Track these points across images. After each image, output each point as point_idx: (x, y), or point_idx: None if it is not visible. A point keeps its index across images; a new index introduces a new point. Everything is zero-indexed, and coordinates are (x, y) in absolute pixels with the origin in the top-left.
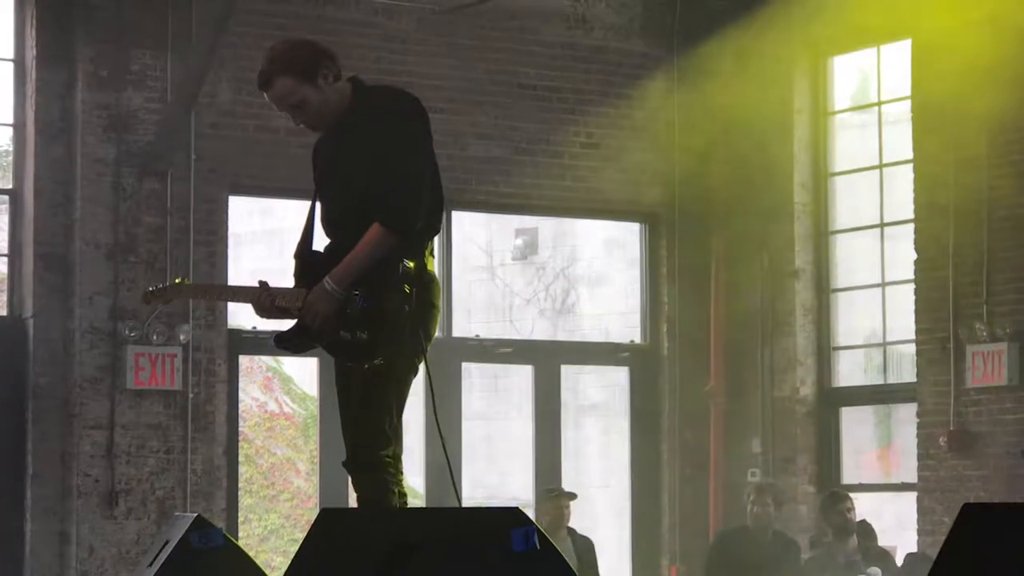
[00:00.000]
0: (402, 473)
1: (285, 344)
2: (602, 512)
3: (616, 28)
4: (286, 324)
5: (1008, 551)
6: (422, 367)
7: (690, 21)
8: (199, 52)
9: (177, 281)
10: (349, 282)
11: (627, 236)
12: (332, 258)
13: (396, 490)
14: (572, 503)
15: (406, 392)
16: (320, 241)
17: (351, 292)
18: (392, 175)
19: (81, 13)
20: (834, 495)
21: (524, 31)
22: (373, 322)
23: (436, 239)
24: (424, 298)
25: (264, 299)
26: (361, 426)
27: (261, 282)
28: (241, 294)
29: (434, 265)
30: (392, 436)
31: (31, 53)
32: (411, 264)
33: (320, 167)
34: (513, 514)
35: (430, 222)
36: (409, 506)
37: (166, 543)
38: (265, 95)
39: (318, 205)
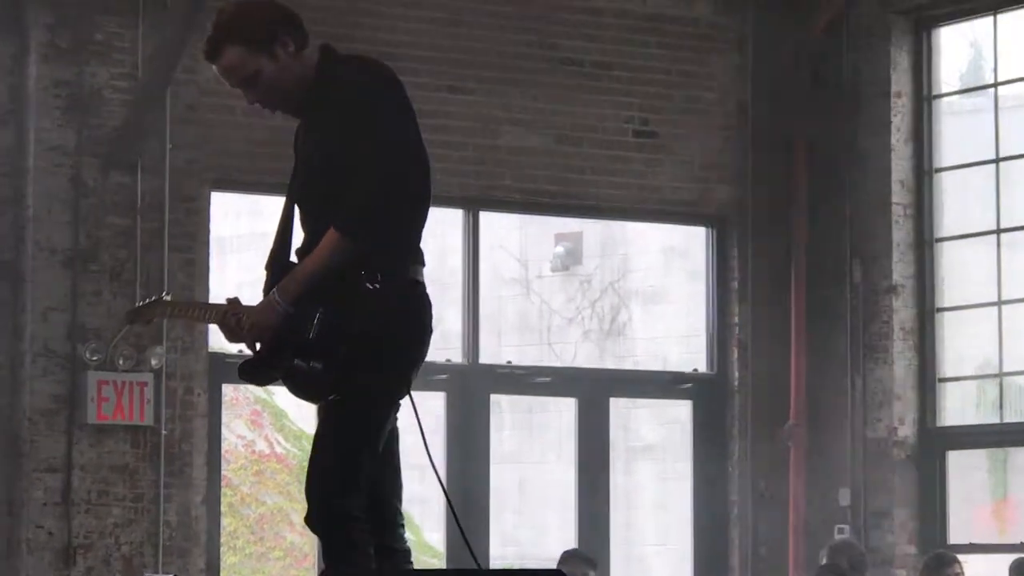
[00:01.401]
0: (401, 527)
1: (246, 373)
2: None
3: None
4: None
5: None
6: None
7: None
8: (176, 18)
9: (164, 297)
10: (295, 294)
11: (690, 243)
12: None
13: (368, 551)
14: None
15: (380, 433)
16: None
17: (309, 309)
18: (350, 170)
19: None
20: (940, 558)
21: None
22: (331, 350)
23: (461, 246)
24: (405, 318)
25: (230, 319)
26: (320, 473)
27: (230, 299)
28: (212, 313)
29: (421, 274)
30: (360, 484)
31: None
32: (382, 276)
33: (295, 157)
34: None
35: (411, 219)
36: (425, 568)
37: None
38: (213, 67)
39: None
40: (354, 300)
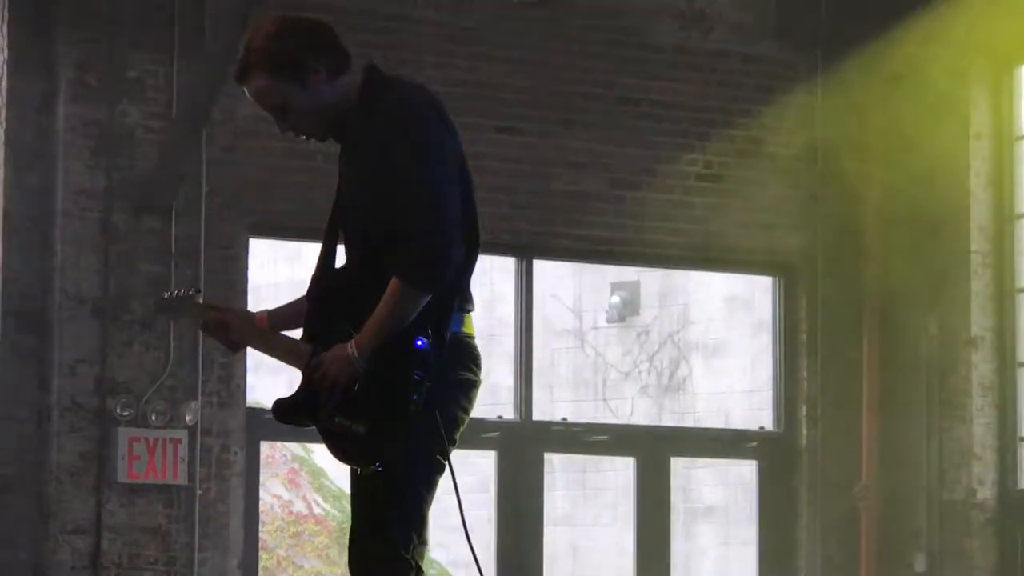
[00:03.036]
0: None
1: (284, 413)
2: None
3: (743, 28)
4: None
5: None
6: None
7: (839, 20)
8: (213, 55)
9: (196, 297)
10: (370, 349)
11: (755, 293)
12: (330, 303)
13: None
14: None
15: (427, 499)
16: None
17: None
18: (404, 216)
19: (65, 8)
20: None
21: (626, 31)
22: (374, 413)
23: (513, 295)
24: (451, 375)
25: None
26: (365, 547)
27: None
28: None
29: (472, 326)
30: (407, 558)
31: (1, 57)
32: (427, 336)
33: (339, 181)
34: None
35: (465, 265)
36: None
37: None
38: (244, 91)
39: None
40: (397, 363)
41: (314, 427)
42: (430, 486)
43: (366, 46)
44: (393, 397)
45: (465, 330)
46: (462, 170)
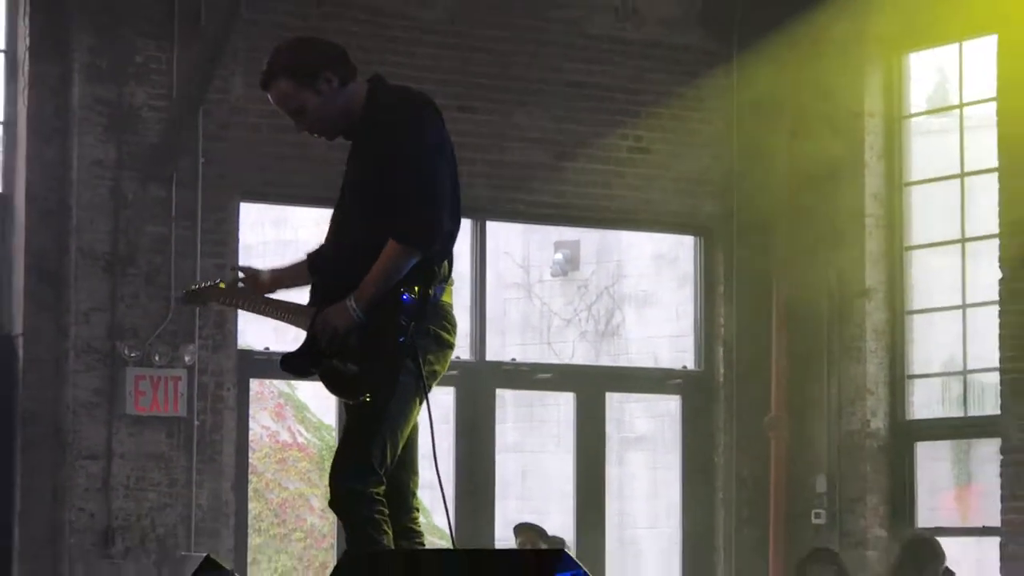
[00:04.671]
0: (416, 511)
1: (288, 365)
2: (649, 557)
3: (671, 20)
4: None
5: None
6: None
7: (753, 13)
8: (208, 42)
9: (219, 284)
10: (367, 302)
11: (679, 251)
12: (334, 270)
13: (387, 530)
14: (541, 541)
15: (402, 429)
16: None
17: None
18: (402, 191)
19: (79, 1)
20: (933, 549)
21: (569, 24)
22: (364, 355)
23: (469, 253)
24: (431, 331)
25: (316, 323)
26: (344, 460)
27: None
28: (281, 312)
29: (451, 295)
30: (378, 472)
31: (23, 44)
32: (413, 293)
33: (345, 176)
34: (558, 556)
35: (450, 235)
36: (433, 548)
37: None
38: (269, 97)
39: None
40: (386, 313)
41: (303, 373)
42: (408, 419)
43: (343, 34)
44: (382, 339)
45: (445, 299)
46: (452, 158)
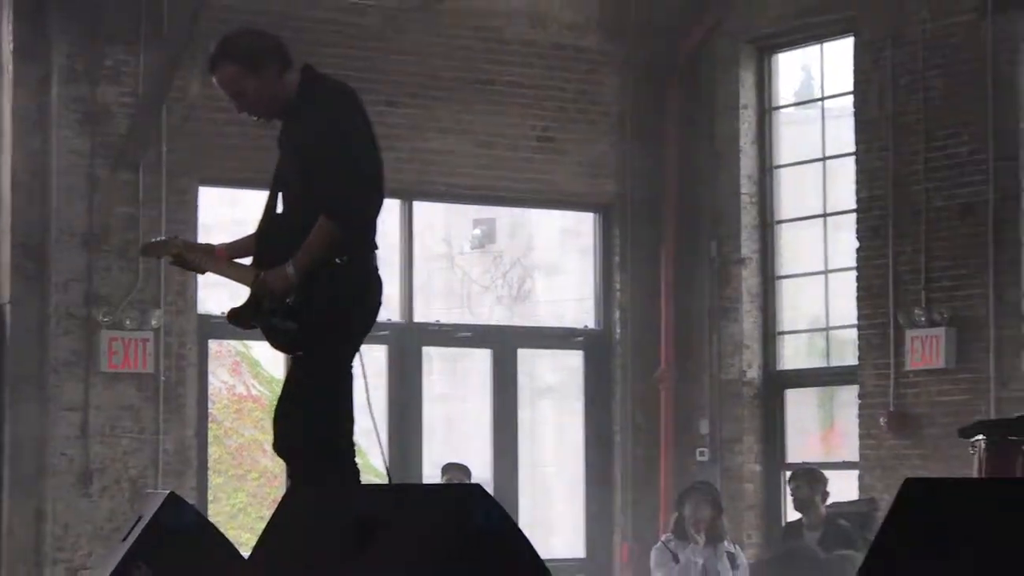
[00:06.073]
0: (353, 451)
1: (234, 317)
2: (557, 491)
3: (574, 26)
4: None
5: (947, 523)
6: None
7: (644, 20)
8: (170, 48)
9: (174, 239)
10: (302, 267)
11: (581, 226)
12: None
13: (337, 469)
14: (465, 478)
15: (334, 383)
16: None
17: (303, 280)
18: (331, 169)
19: (57, 8)
20: (813, 473)
21: (485, 29)
22: (301, 315)
23: (398, 229)
24: (359, 294)
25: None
26: (284, 412)
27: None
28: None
29: (376, 259)
30: (322, 422)
31: (8, 47)
32: (344, 260)
33: (279, 155)
34: (474, 491)
35: (375, 210)
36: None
37: (139, 519)
38: (213, 79)
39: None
40: (325, 275)
41: (257, 328)
42: (344, 373)
43: (289, 39)
44: (317, 301)
45: (375, 264)
46: (374, 140)
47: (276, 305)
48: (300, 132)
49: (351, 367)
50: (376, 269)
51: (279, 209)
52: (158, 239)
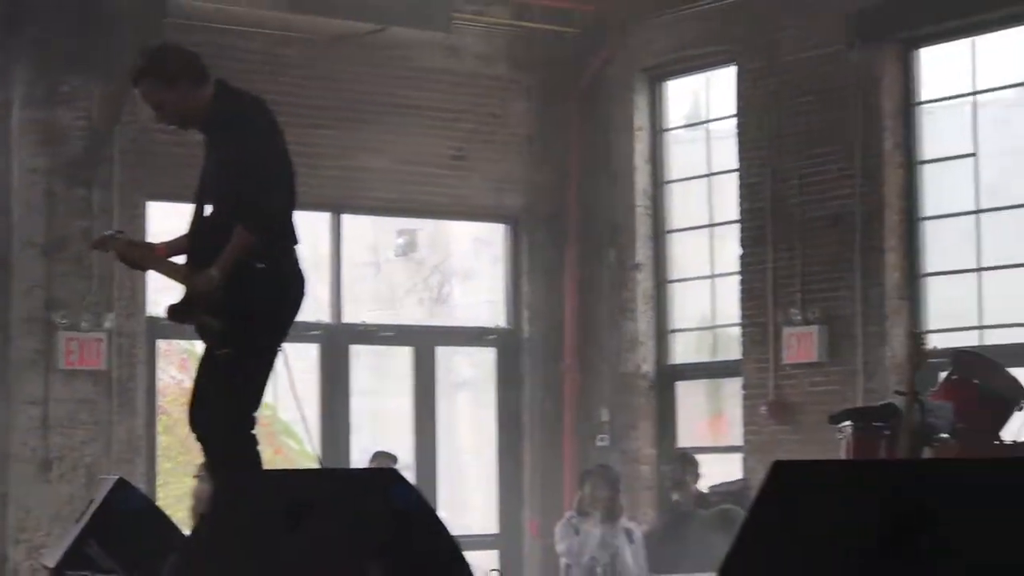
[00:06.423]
0: (250, 443)
1: (172, 313)
2: (472, 476)
3: (484, 56)
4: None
5: (812, 501)
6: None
7: (548, 52)
8: (120, 77)
9: (117, 234)
10: (224, 269)
11: (493, 236)
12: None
13: (256, 458)
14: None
15: (254, 376)
16: None
17: (226, 282)
18: (248, 182)
19: (20, 40)
20: (686, 456)
21: (405, 59)
22: (226, 314)
23: (329, 239)
24: (280, 294)
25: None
26: (214, 409)
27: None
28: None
29: (295, 252)
30: (247, 414)
31: None
32: (264, 262)
33: (204, 165)
34: (390, 474)
35: (289, 216)
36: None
37: (91, 502)
38: (136, 92)
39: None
40: (246, 277)
41: (191, 324)
42: (267, 367)
43: (216, 70)
44: (241, 301)
45: (295, 260)
46: (285, 150)
47: (202, 304)
48: (222, 145)
49: (272, 361)
50: (297, 264)
51: (207, 212)
52: (107, 233)
